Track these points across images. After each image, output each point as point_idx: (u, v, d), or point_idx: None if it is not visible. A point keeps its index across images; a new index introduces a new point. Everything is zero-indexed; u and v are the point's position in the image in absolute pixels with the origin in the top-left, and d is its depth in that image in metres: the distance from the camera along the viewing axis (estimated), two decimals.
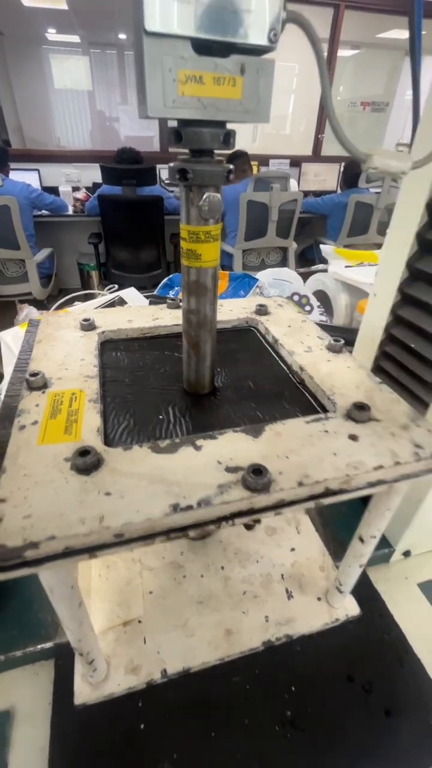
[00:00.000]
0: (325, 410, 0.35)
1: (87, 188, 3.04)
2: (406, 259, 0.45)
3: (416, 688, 0.42)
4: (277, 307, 0.51)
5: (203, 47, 0.22)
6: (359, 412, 0.31)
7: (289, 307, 0.51)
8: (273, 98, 0.25)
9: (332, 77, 3.37)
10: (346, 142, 0.30)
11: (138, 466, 0.27)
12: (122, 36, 4.16)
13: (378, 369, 0.54)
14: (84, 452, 0.26)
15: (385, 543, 0.54)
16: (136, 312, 0.48)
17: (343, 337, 0.43)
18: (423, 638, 0.46)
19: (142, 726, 0.38)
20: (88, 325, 0.43)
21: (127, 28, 3.99)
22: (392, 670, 0.43)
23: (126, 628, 0.43)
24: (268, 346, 0.45)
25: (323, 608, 0.46)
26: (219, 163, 0.27)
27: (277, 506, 0.26)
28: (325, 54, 3.27)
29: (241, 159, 2.87)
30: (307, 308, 1.25)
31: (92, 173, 3.09)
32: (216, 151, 0.27)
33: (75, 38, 3.81)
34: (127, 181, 2.47)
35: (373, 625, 0.46)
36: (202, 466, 0.27)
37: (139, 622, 0.44)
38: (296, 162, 3.53)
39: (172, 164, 0.27)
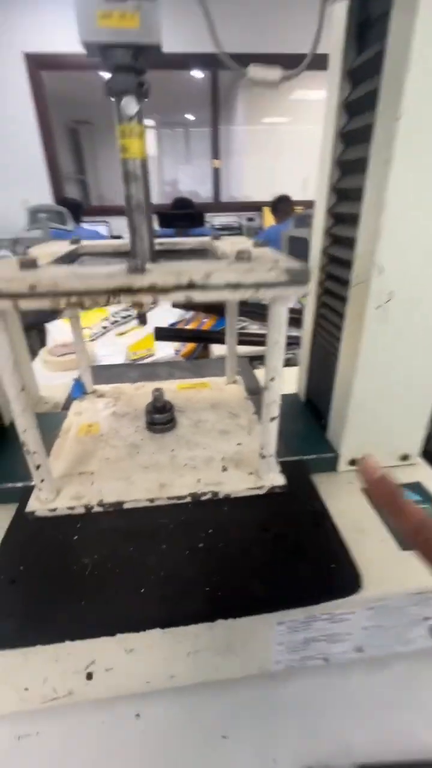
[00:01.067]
0: None
1: None
2: (326, 207, 0.54)
3: (325, 542, 0.44)
4: (231, 238, 0.62)
5: None
6: (241, 254, 0.40)
7: (243, 238, 0.62)
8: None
9: None
10: (226, 59, 0.42)
11: (63, 270, 0.38)
12: (189, 116, 4.94)
13: (325, 291, 0.61)
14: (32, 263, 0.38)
15: (330, 449, 0.57)
16: (119, 241, 0.61)
17: None
18: (349, 519, 0.48)
19: (75, 537, 0.45)
20: (74, 241, 0.57)
21: (190, 110, 4.77)
22: (306, 529, 0.46)
23: (80, 476, 0.52)
24: (210, 252, 0.55)
25: (252, 478, 0.51)
26: (134, 77, 0.40)
27: (152, 290, 0.35)
28: None
29: (284, 203, 3.15)
30: None
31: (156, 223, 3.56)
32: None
33: (150, 122, 4.62)
34: (178, 224, 2.80)
35: (300, 500, 0.50)
36: (105, 271, 0.37)
37: (92, 473, 0.52)
38: None
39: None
